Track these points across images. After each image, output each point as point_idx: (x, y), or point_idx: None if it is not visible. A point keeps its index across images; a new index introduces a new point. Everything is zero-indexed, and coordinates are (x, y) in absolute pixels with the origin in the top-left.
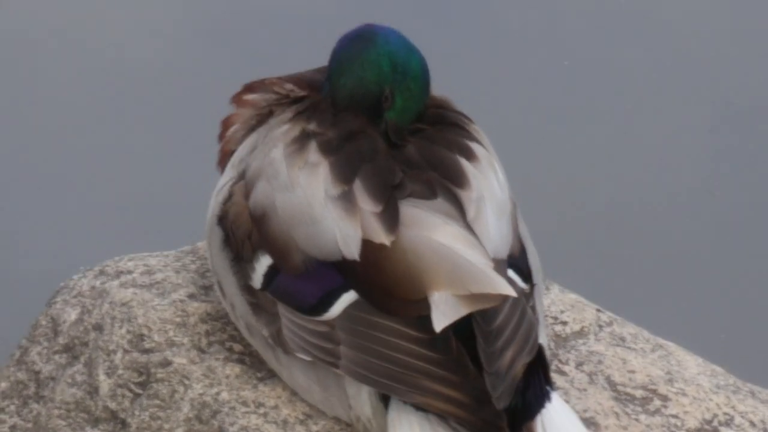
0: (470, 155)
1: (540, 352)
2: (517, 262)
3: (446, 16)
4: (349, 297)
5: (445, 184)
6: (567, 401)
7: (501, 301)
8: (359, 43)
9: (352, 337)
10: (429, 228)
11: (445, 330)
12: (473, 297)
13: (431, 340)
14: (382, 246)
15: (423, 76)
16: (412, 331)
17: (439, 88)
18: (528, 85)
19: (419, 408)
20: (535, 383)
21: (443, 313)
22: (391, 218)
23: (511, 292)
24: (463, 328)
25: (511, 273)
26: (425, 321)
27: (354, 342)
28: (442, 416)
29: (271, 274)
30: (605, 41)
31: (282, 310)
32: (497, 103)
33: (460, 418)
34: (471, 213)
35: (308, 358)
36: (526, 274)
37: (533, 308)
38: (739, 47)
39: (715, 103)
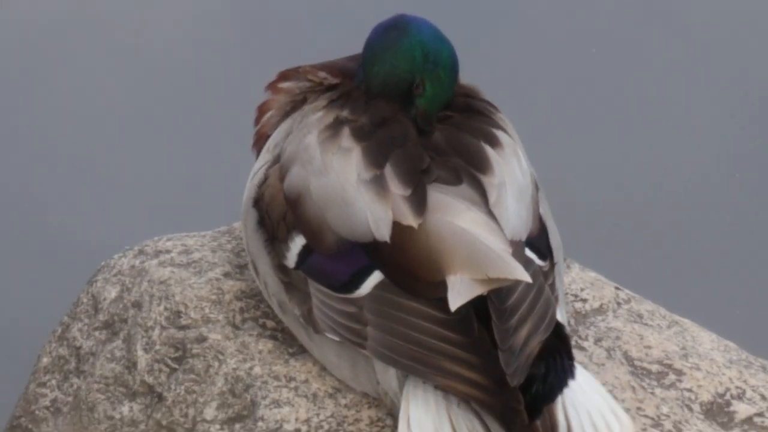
0: (495, 142)
1: (559, 330)
2: (535, 241)
3: (475, 6)
4: (377, 276)
5: (469, 170)
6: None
7: (515, 283)
8: (393, 33)
9: (379, 318)
10: (452, 213)
11: (468, 312)
12: (489, 281)
13: (454, 321)
14: (409, 228)
15: (453, 66)
16: (437, 312)
17: (467, 77)
18: (556, 72)
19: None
20: (556, 366)
21: (459, 293)
22: (419, 202)
23: (526, 278)
24: (485, 312)
25: (528, 252)
26: (447, 303)
27: (380, 323)
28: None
29: (304, 253)
30: (631, 32)
31: (313, 289)
32: (524, 91)
33: (480, 401)
34: (493, 198)
35: (336, 338)
36: (544, 253)
37: (552, 285)
38: (757, 39)
39: (736, 90)
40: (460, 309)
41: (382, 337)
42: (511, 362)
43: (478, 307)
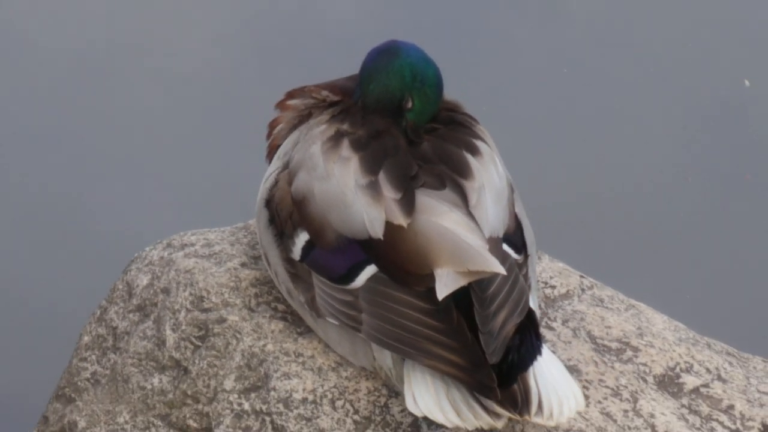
0: (474, 151)
1: (531, 314)
2: (511, 237)
3: (458, 27)
4: (370, 270)
5: (452, 176)
6: (554, 352)
7: (494, 275)
8: (385, 56)
9: (372, 307)
10: (437, 214)
11: (448, 302)
12: (470, 273)
13: (436, 311)
14: (400, 227)
15: (438, 84)
16: (422, 303)
17: (450, 93)
18: (529, 88)
19: None
20: (527, 341)
21: (445, 284)
22: (408, 204)
23: (502, 270)
24: (463, 303)
25: (505, 247)
26: (432, 294)
27: (373, 311)
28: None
29: (308, 248)
30: (597, 52)
31: (316, 280)
32: (500, 103)
33: (459, 379)
34: (473, 200)
35: (336, 323)
36: (519, 247)
37: (526, 276)
38: (706, 57)
39: (687, 104)
40: (443, 299)
41: (374, 322)
42: (490, 343)
43: (458, 298)
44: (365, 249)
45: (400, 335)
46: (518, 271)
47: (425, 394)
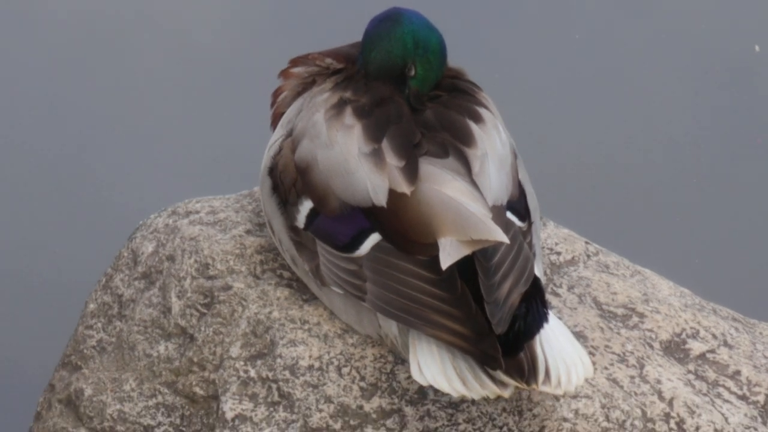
0: (477, 118)
1: (536, 281)
2: (515, 205)
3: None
4: (375, 238)
5: (455, 144)
6: (560, 318)
7: (498, 244)
8: (387, 23)
9: (376, 276)
10: (440, 183)
11: (453, 271)
12: (474, 242)
13: (440, 280)
14: (403, 195)
15: (441, 51)
16: (425, 272)
17: (454, 61)
18: (540, 54)
19: None
20: (533, 309)
21: (449, 254)
22: (411, 172)
23: (505, 239)
24: (468, 271)
25: (509, 215)
26: (435, 263)
27: (377, 280)
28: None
29: (312, 216)
30: (609, 19)
31: (320, 248)
32: (511, 69)
33: (463, 349)
34: (476, 168)
35: (340, 291)
36: (523, 214)
37: (530, 243)
38: (716, 23)
39: (698, 70)
40: (446, 269)
41: (378, 291)
42: (496, 313)
43: (463, 266)
44: (369, 217)
45: (404, 304)
46: (522, 239)
47: (431, 363)
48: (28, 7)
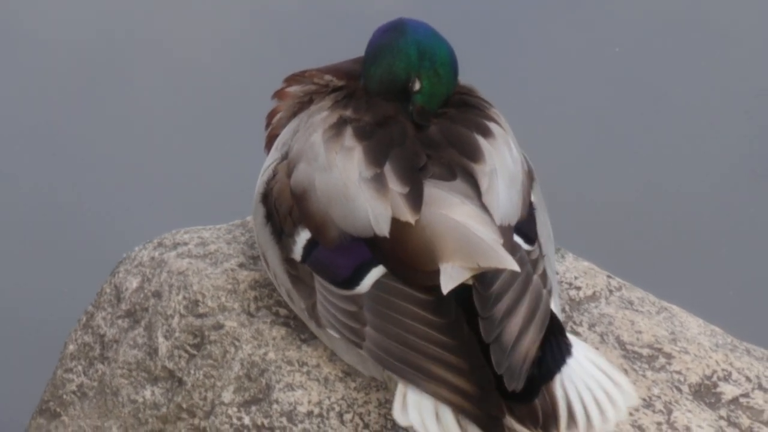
0: (487, 133)
1: (552, 317)
2: (522, 226)
3: (496, 14)
4: (377, 272)
5: (462, 162)
6: (584, 340)
7: (498, 270)
8: (390, 34)
9: (376, 318)
10: (447, 207)
11: (458, 316)
12: (480, 269)
13: (445, 325)
14: (407, 224)
15: (451, 63)
16: (429, 315)
17: (468, 79)
18: (572, 67)
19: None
20: (551, 346)
21: (450, 277)
22: (415, 198)
23: (516, 268)
24: (474, 317)
25: (516, 237)
26: (441, 306)
27: (377, 324)
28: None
29: (309, 247)
30: (649, 32)
31: (318, 285)
32: (530, 90)
33: (464, 410)
34: (484, 185)
35: (337, 335)
36: (531, 237)
37: (543, 276)
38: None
39: (723, 101)
40: (450, 313)
41: (378, 337)
42: (502, 361)
43: (469, 311)
44: (371, 247)
45: (403, 353)
46: (530, 267)
47: (422, 400)
48: (16, 29)
